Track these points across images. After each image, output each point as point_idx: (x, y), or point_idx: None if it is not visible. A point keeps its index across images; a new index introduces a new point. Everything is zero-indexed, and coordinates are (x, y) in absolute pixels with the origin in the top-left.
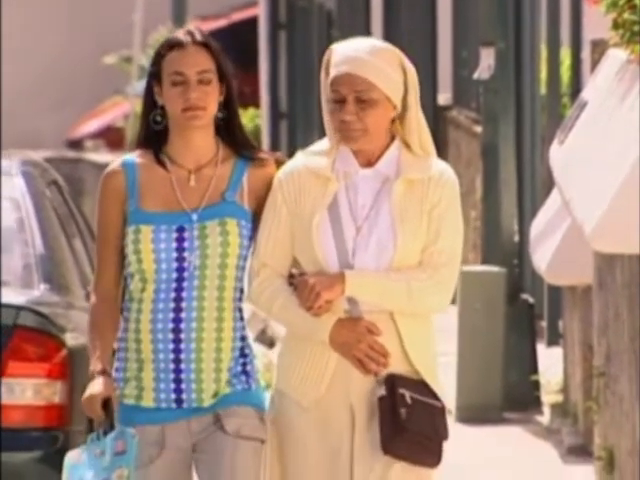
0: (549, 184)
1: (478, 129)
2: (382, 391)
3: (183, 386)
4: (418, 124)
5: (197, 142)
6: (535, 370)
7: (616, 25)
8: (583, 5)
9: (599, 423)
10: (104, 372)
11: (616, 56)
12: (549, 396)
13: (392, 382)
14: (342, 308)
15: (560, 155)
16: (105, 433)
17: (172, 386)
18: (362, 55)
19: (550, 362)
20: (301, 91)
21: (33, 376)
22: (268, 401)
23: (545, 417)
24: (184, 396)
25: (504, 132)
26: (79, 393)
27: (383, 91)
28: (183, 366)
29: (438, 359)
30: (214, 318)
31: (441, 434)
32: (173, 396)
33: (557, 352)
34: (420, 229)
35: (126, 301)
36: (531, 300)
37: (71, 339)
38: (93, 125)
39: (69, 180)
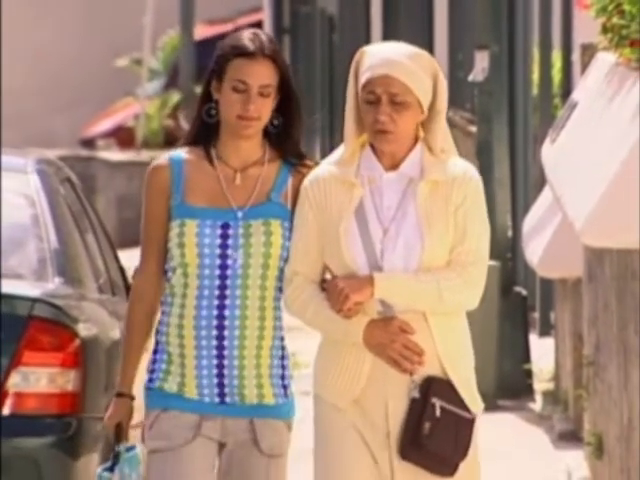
0: (541, 182)
1: (473, 129)
2: (416, 393)
3: (226, 381)
4: (442, 131)
5: (246, 145)
6: (528, 359)
7: (605, 29)
8: (573, 10)
9: (589, 410)
10: (123, 395)
11: (605, 59)
12: (541, 384)
13: (427, 387)
14: (375, 310)
15: (552, 154)
16: (115, 456)
17: (215, 380)
18: (401, 58)
19: (542, 352)
20: (303, 93)
21: (47, 365)
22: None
23: (537, 404)
24: (227, 390)
25: (498, 132)
26: (91, 381)
27: (416, 95)
28: (226, 362)
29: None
30: (257, 317)
31: (460, 452)
32: (216, 390)
33: (549, 342)
34: (446, 229)
35: (167, 295)
36: (524, 292)
37: (84, 329)
38: (105, 125)
39: (82, 177)
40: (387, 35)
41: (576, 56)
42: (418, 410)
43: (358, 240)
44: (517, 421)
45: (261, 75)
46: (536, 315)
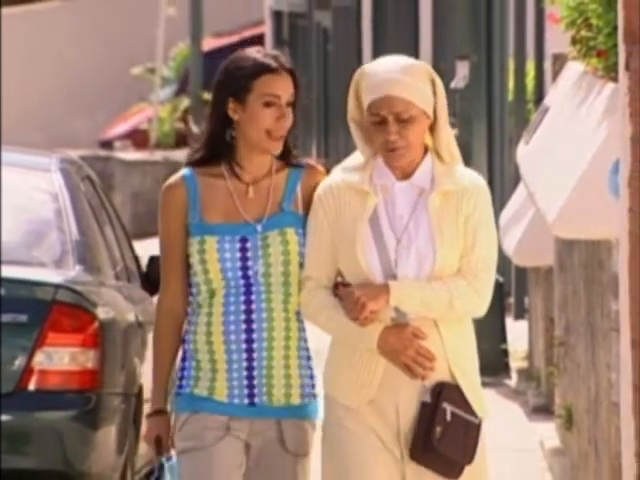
0: (516, 179)
1: (454, 131)
2: (427, 398)
3: (255, 382)
4: (447, 132)
5: (261, 159)
6: (504, 340)
7: (574, 41)
8: (545, 23)
9: (559, 386)
10: (159, 411)
11: (574, 68)
12: (516, 363)
13: (439, 392)
14: (389, 316)
15: (526, 154)
16: (160, 468)
17: (245, 382)
18: (397, 76)
19: (517, 333)
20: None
21: (69, 345)
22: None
23: (513, 381)
24: (256, 391)
25: (477, 134)
26: (109, 360)
27: (419, 107)
28: (255, 364)
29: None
30: (282, 319)
31: (467, 455)
32: (246, 391)
33: (523, 325)
34: (457, 238)
35: (193, 307)
36: (500, 279)
37: (102, 313)
38: (121, 128)
39: (101, 175)
40: (376, 46)
41: (548, 65)
42: (429, 414)
43: (373, 248)
44: (495, 396)
45: (288, 88)
46: (511, 300)
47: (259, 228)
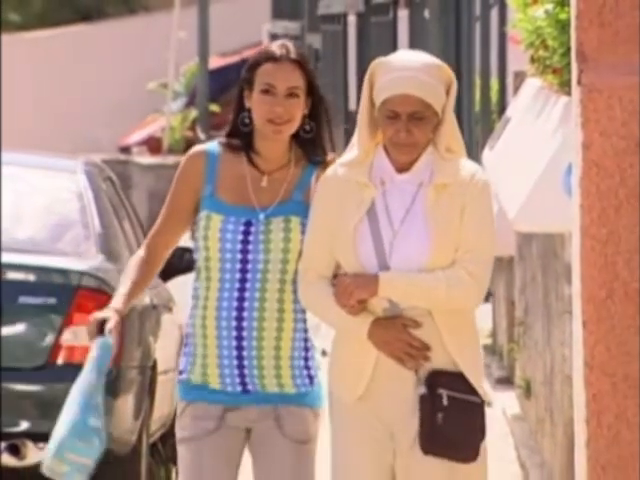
0: None
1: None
2: (423, 389)
3: (246, 371)
4: (448, 129)
5: (275, 148)
6: None
7: (533, 60)
8: (508, 45)
9: (519, 360)
10: (114, 309)
11: (533, 84)
12: (482, 340)
13: (432, 380)
14: (381, 307)
15: (490, 158)
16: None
17: (236, 371)
18: (419, 75)
19: (482, 314)
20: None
21: None
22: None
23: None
24: (247, 379)
25: None
26: (128, 337)
27: (434, 108)
28: (245, 352)
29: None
30: (275, 309)
31: (477, 433)
32: (237, 380)
33: (488, 307)
34: (453, 231)
35: (196, 287)
36: None
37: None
38: (138, 135)
39: (120, 177)
40: (360, 65)
41: (510, 81)
42: (429, 404)
43: (369, 240)
44: None
45: (288, 77)
46: None
47: (264, 214)
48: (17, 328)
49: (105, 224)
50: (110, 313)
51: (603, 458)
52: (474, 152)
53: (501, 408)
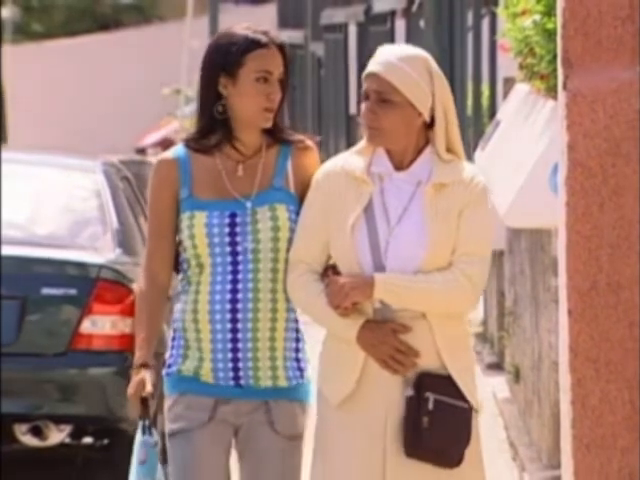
0: None
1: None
2: (410, 391)
3: (240, 365)
4: (448, 131)
5: (253, 136)
6: None
7: (521, 67)
8: (498, 52)
9: (509, 347)
10: (145, 365)
11: (521, 89)
12: (474, 328)
13: (420, 383)
14: (371, 307)
15: (482, 158)
16: (148, 426)
17: (230, 365)
18: (391, 59)
19: None
20: (299, 117)
21: (110, 314)
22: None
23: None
24: (241, 373)
25: None
26: None
27: (406, 96)
28: (240, 345)
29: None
30: (269, 300)
31: (462, 440)
32: (231, 374)
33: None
34: (450, 231)
35: (183, 284)
36: None
37: (137, 287)
38: (153, 137)
39: (136, 176)
40: (360, 72)
41: (500, 86)
42: (415, 407)
43: (365, 236)
44: None
45: (278, 63)
46: None
47: (248, 204)
48: (40, 317)
49: (122, 220)
50: (142, 374)
51: (587, 438)
52: (467, 153)
53: (491, 392)
